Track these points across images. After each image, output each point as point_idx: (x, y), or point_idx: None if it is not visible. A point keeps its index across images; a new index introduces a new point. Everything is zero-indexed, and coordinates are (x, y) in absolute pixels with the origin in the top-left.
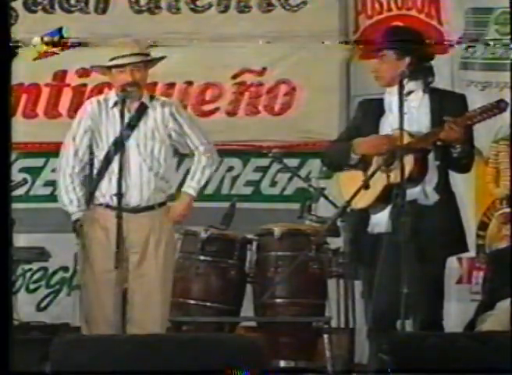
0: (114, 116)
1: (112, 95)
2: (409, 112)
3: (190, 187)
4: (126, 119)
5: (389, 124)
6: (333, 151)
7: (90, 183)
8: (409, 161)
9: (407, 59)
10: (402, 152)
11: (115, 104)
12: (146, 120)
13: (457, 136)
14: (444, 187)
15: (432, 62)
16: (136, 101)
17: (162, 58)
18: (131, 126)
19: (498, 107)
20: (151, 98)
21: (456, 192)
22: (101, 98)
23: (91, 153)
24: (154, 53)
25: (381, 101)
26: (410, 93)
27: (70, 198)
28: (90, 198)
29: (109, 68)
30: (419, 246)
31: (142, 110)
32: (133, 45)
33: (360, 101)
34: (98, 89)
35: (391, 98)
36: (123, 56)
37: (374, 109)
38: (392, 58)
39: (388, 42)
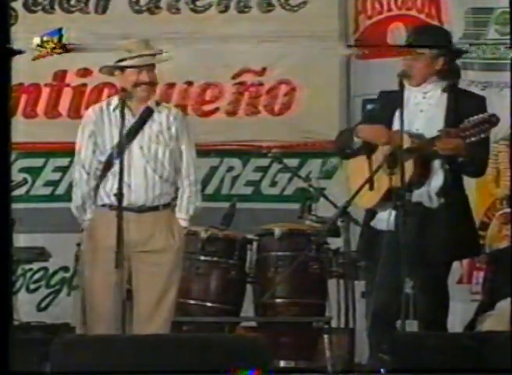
0: (116, 119)
1: (115, 99)
2: (425, 110)
3: (180, 220)
4: (131, 122)
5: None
6: (340, 136)
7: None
8: (408, 165)
9: (441, 60)
10: (402, 153)
11: (117, 106)
12: (151, 124)
13: (453, 147)
14: (452, 190)
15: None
16: (141, 105)
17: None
18: (135, 128)
19: (489, 121)
20: (157, 103)
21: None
22: (104, 103)
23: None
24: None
25: (400, 95)
26: (427, 91)
27: (77, 204)
28: (94, 199)
29: (122, 69)
30: (422, 248)
31: (148, 114)
32: (144, 45)
33: (381, 92)
34: (98, 89)
35: (413, 93)
36: (140, 56)
37: (391, 102)
38: (429, 58)
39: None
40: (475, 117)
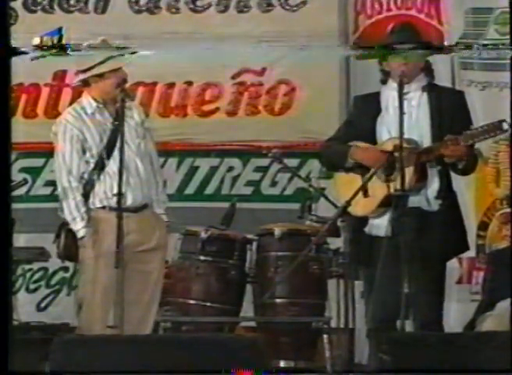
0: (99, 121)
1: (87, 102)
2: (408, 112)
3: (162, 215)
4: (111, 121)
5: (385, 124)
6: (330, 152)
7: (88, 188)
8: (408, 172)
9: (425, 58)
10: (402, 157)
11: (97, 109)
12: (127, 120)
13: (460, 154)
14: (446, 191)
15: (431, 61)
16: (113, 104)
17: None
18: (117, 126)
19: (500, 128)
20: (124, 101)
21: (456, 192)
22: (76, 107)
23: (86, 161)
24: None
25: (377, 98)
26: (408, 91)
27: (74, 215)
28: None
29: (102, 74)
30: (423, 250)
31: (122, 111)
32: (108, 45)
33: (355, 97)
34: None
35: (392, 93)
36: (115, 57)
37: (369, 107)
38: (418, 56)
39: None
40: (486, 124)
